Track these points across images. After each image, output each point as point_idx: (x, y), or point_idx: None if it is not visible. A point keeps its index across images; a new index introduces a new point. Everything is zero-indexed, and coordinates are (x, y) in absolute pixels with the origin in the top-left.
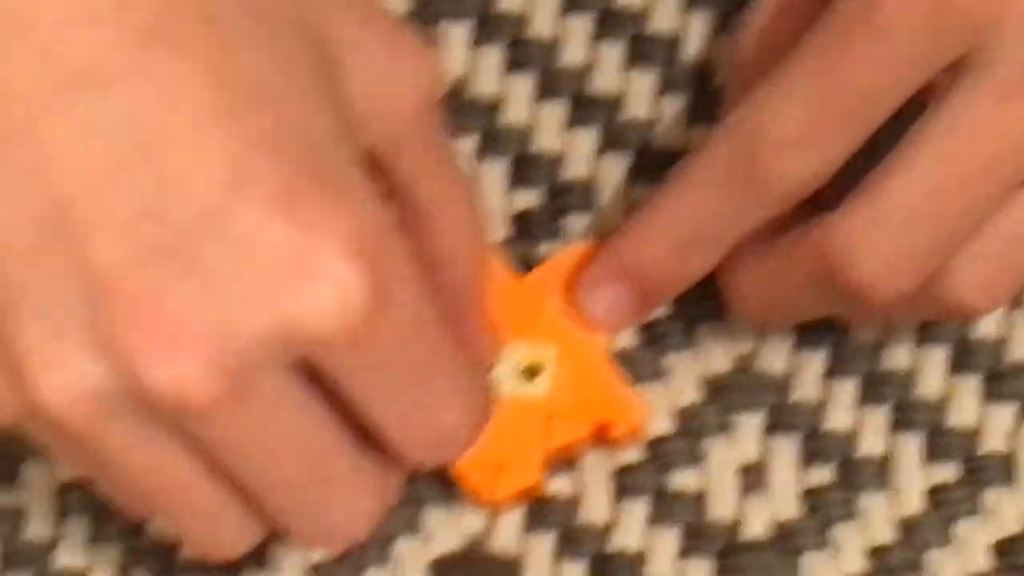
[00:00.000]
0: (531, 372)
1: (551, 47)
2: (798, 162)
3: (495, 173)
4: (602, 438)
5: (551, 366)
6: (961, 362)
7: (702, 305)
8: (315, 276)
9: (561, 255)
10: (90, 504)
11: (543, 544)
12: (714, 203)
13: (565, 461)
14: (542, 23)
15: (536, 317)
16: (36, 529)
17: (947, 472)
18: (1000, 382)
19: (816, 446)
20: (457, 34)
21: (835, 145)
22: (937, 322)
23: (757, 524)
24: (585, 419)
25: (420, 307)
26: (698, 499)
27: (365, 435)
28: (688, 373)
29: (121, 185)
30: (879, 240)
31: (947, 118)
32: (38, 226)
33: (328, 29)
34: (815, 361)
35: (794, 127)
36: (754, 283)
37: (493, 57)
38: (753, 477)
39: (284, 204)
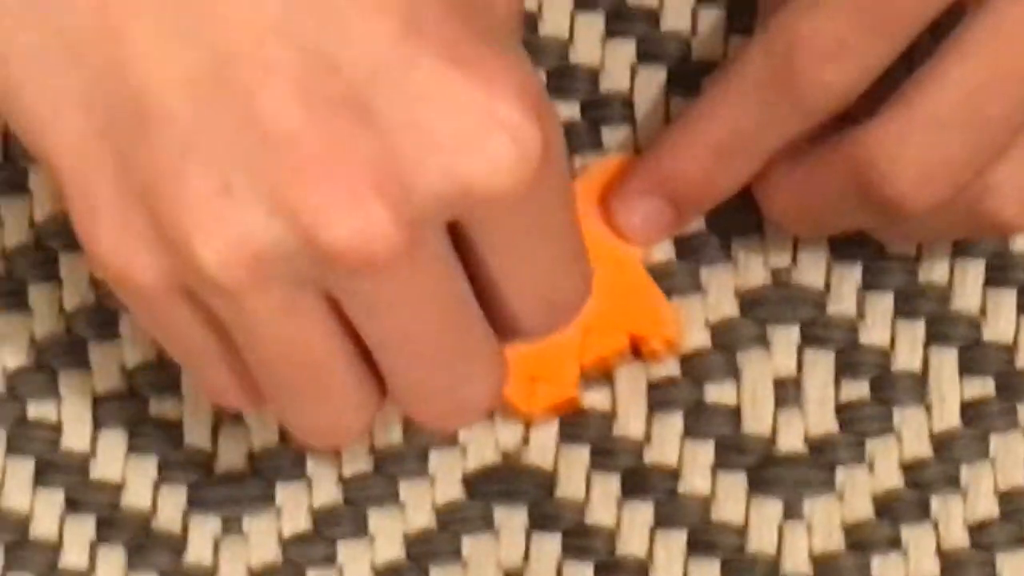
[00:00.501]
0: None
1: None
2: (836, 72)
3: None
4: (637, 351)
5: None
6: (998, 276)
7: (738, 218)
8: (495, 128)
9: (597, 167)
10: (126, 416)
11: (578, 457)
12: (751, 114)
13: (601, 374)
14: None
15: None
16: (73, 440)
17: (983, 387)
18: None
19: (852, 360)
20: None
21: (873, 54)
22: (974, 239)
23: (792, 438)
24: (621, 332)
25: (567, 167)
26: (733, 413)
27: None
28: (724, 286)
29: (291, 37)
30: (913, 149)
31: (983, 26)
32: (202, 80)
33: None
34: (851, 275)
35: (832, 37)
36: (789, 193)
37: None
38: (789, 391)
39: (458, 57)
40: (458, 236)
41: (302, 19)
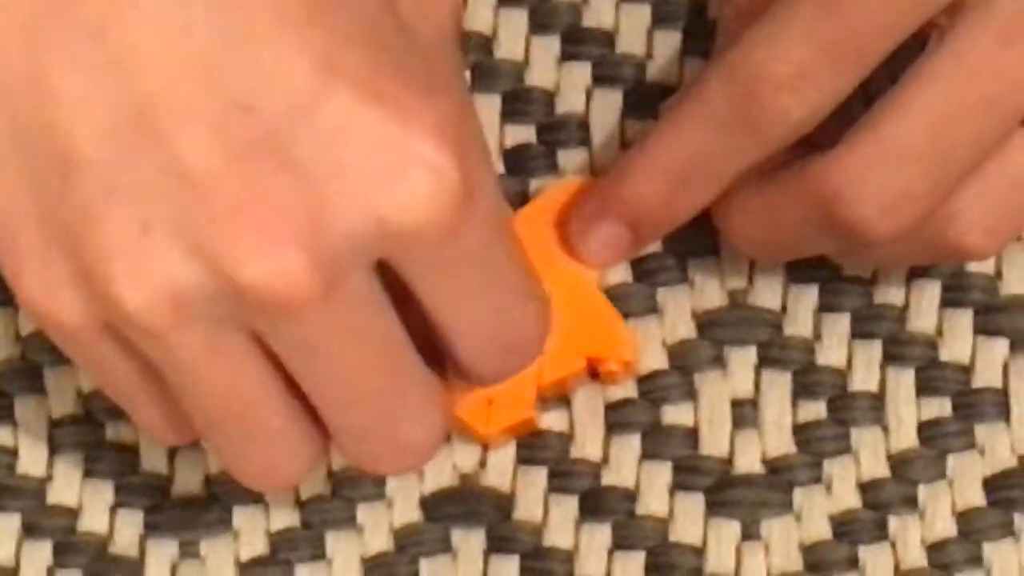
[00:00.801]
0: None
1: None
2: (797, 100)
3: (488, 108)
4: (595, 373)
5: None
6: (954, 297)
7: (695, 240)
8: (412, 167)
9: (553, 189)
10: (82, 440)
11: (535, 479)
12: (711, 140)
13: (558, 397)
14: None
15: (529, 251)
16: (29, 465)
17: (940, 407)
18: (993, 316)
19: (809, 381)
20: None
21: (835, 83)
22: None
23: (749, 459)
24: (577, 354)
25: (499, 205)
26: (691, 434)
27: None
28: (681, 308)
29: (209, 81)
30: (877, 178)
31: (947, 57)
32: (123, 124)
33: None
34: (808, 296)
35: (794, 64)
36: (751, 219)
37: None
38: (746, 412)
39: (376, 95)
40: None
41: (219, 62)
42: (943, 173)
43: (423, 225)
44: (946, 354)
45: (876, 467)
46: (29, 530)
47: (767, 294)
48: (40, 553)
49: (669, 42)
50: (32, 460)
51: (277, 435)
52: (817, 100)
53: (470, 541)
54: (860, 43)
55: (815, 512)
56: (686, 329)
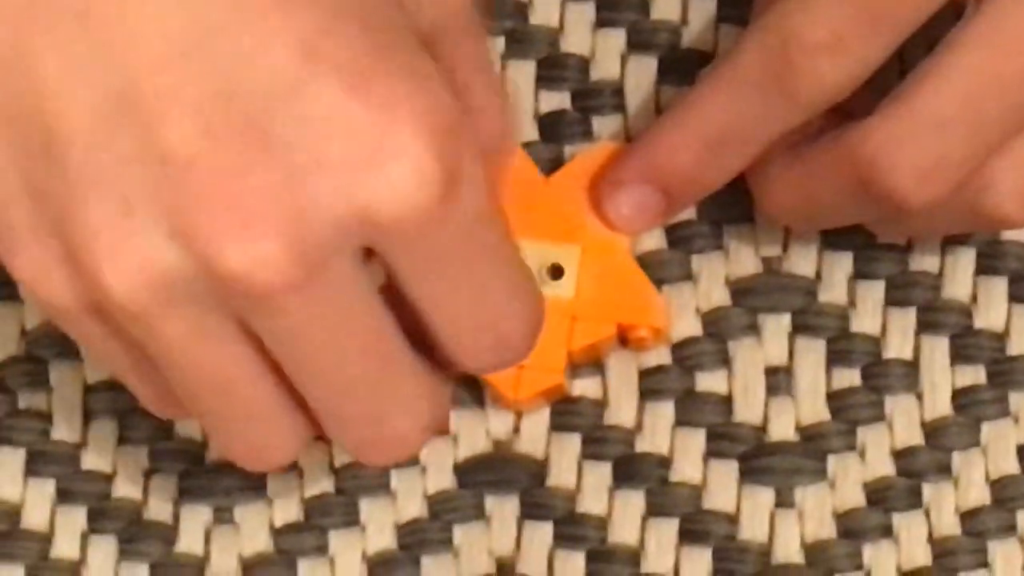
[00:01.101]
0: (556, 272)
1: None
2: (832, 65)
3: (523, 74)
4: (625, 339)
5: (575, 266)
6: (989, 264)
7: (729, 207)
8: (392, 155)
9: (587, 154)
10: (116, 407)
11: (569, 446)
12: (745, 105)
13: (591, 363)
14: None
15: (561, 217)
16: (63, 431)
17: (974, 375)
18: None
19: (843, 348)
20: None
21: (869, 49)
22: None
23: (783, 426)
24: (609, 320)
25: (487, 197)
26: (724, 401)
27: (418, 346)
28: (715, 275)
29: (192, 65)
30: (914, 147)
31: (983, 25)
32: (107, 106)
33: None
34: (842, 263)
35: (829, 30)
36: (786, 188)
37: None
38: (780, 379)
39: (357, 81)
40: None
41: (204, 46)
42: (979, 141)
43: (403, 215)
44: (981, 322)
45: (910, 435)
46: (64, 495)
47: (801, 261)
48: (75, 518)
49: (704, 8)
50: (66, 426)
51: (263, 418)
52: (852, 66)
53: (504, 507)
54: (895, 9)
55: (849, 480)
56: (720, 296)
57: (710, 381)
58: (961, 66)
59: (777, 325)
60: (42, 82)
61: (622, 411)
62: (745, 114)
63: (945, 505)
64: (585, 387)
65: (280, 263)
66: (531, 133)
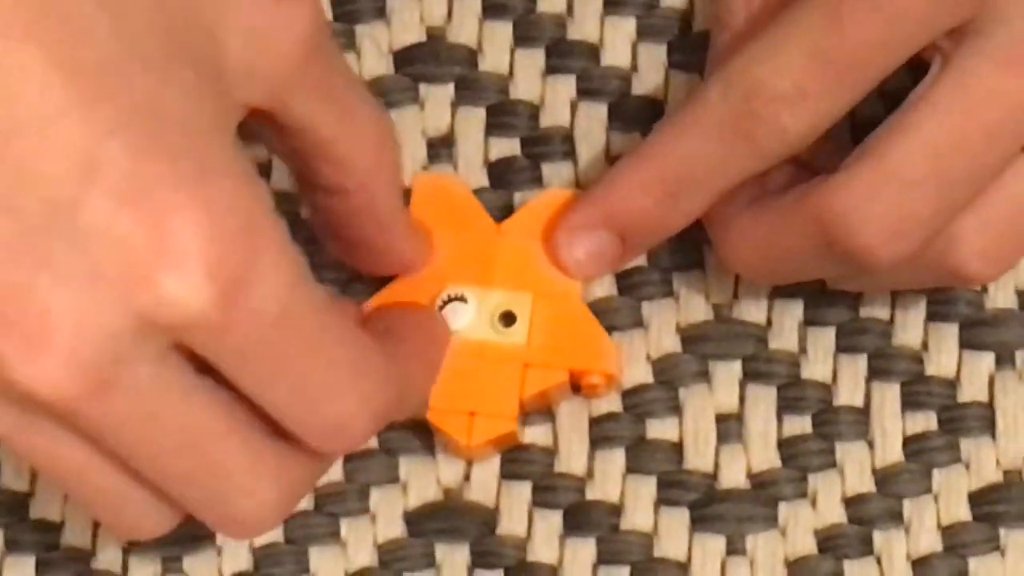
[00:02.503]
0: (508, 319)
1: None
2: (794, 116)
3: (473, 121)
4: (578, 386)
5: (527, 313)
6: (940, 311)
7: (680, 254)
8: (164, 266)
9: (537, 201)
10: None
11: (520, 494)
12: (706, 151)
13: (544, 410)
14: None
15: (513, 264)
16: (10, 481)
17: (925, 422)
18: (979, 331)
19: (794, 395)
20: None
21: (832, 102)
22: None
23: (735, 473)
24: (561, 366)
25: (294, 293)
26: (675, 448)
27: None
28: (666, 322)
29: None
30: (882, 205)
31: (949, 82)
32: None
33: None
34: (793, 310)
35: (792, 80)
36: (751, 244)
37: (472, 5)
38: (731, 426)
39: (133, 193)
40: None
41: None
42: (946, 199)
43: (181, 322)
44: (932, 368)
45: (861, 482)
46: (10, 545)
47: (752, 308)
48: (23, 567)
49: (654, 55)
50: (15, 474)
51: (122, 497)
52: (814, 117)
53: (454, 556)
54: (859, 61)
55: (800, 527)
56: (671, 343)
57: (661, 428)
58: (928, 124)
59: (728, 372)
60: None
61: (573, 459)
62: (706, 160)
63: (896, 552)
64: (536, 435)
65: (62, 380)
66: (481, 180)
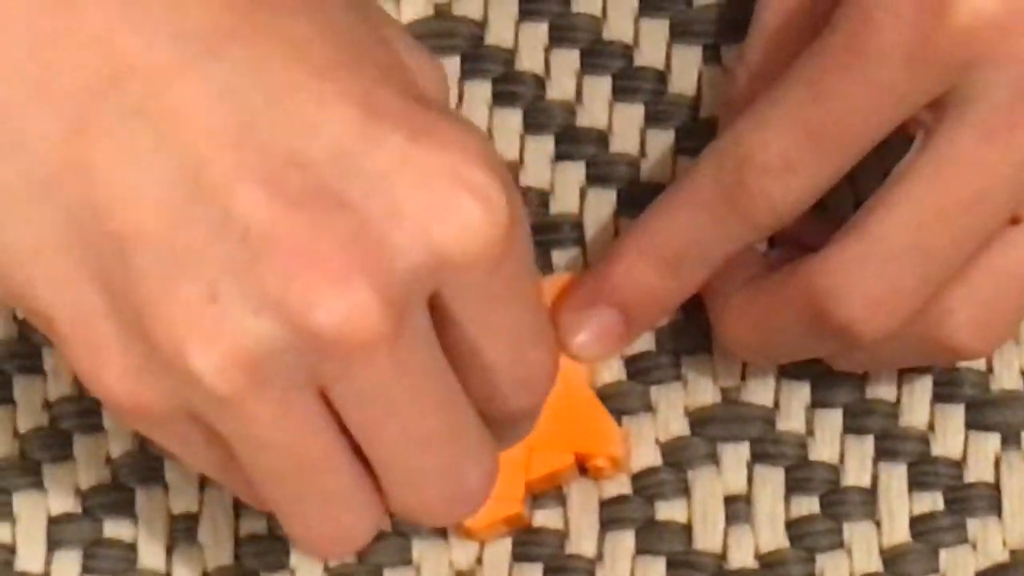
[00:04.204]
0: None
1: (538, 81)
2: (782, 188)
3: None
4: (583, 468)
5: None
6: (945, 392)
7: (687, 338)
8: (463, 192)
9: (545, 285)
10: (80, 537)
11: None
12: (699, 224)
13: (550, 491)
14: (529, 58)
15: None
16: (27, 561)
17: (932, 502)
18: (985, 411)
19: (802, 476)
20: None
21: (819, 172)
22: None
23: (743, 554)
24: (566, 450)
25: (530, 238)
26: (684, 530)
27: None
28: (674, 405)
29: (255, 139)
30: (865, 277)
31: (932, 155)
32: (175, 196)
33: None
34: (800, 392)
35: (779, 152)
36: (745, 324)
37: (481, 90)
38: (739, 508)
39: (418, 130)
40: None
41: (262, 120)
42: (931, 270)
43: (477, 252)
44: (938, 449)
45: (869, 562)
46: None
47: (759, 390)
48: None
49: (662, 141)
50: (30, 556)
51: (341, 498)
52: (802, 188)
53: None
54: (843, 133)
55: None
56: (679, 426)
57: (670, 510)
58: (907, 197)
59: (736, 454)
60: (104, 188)
61: (583, 540)
62: (701, 233)
63: None
64: (546, 517)
65: (373, 311)
66: None
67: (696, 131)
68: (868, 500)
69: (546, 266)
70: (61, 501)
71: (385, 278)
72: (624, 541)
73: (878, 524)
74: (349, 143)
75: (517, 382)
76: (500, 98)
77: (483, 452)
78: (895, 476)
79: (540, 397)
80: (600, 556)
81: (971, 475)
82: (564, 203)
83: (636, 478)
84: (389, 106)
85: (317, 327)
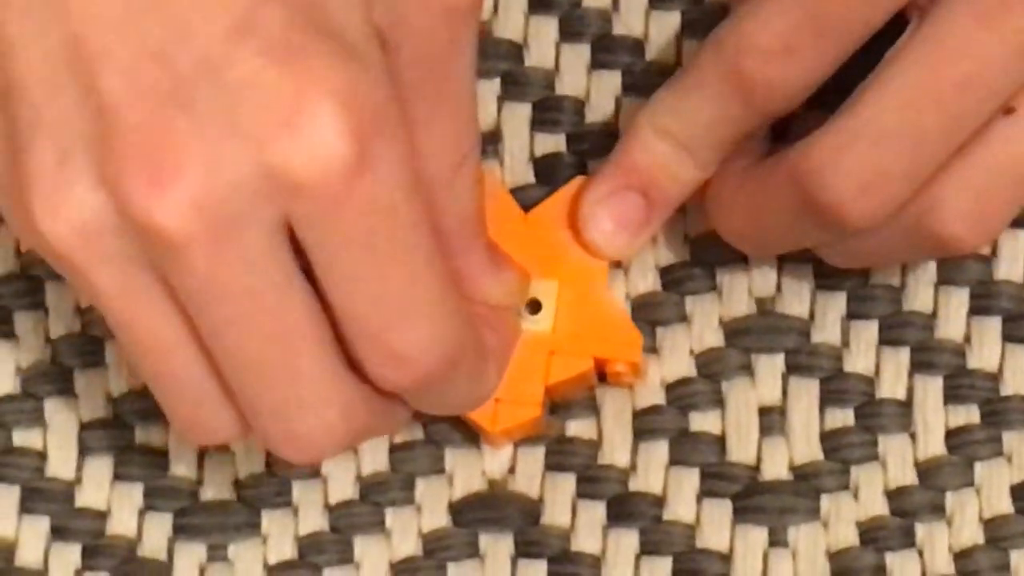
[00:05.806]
0: (534, 307)
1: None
2: (781, 71)
3: (519, 116)
4: (602, 374)
5: (553, 301)
6: (982, 304)
7: (722, 249)
8: (301, 122)
9: (566, 189)
10: (111, 444)
11: (564, 485)
12: (705, 106)
13: (570, 397)
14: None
15: (540, 252)
16: (58, 468)
17: (967, 415)
18: (1021, 324)
19: (836, 388)
20: None
21: (817, 57)
22: (954, 263)
23: (777, 466)
24: (585, 354)
25: (404, 192)
26: (718, 441)
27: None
28: (708, 316)
29: (131, 27)
30: (854, 159)
31: (925, 37)
32: (57, 57)
33: None
34: (836, 304)
35: (778, 36)
36: (737, 211)
37: (518, 1)
38: (773, 419)
39: (282, 54)
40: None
41: (146, 15)
42: (921, 155)
43: (311, 179)
44: (974, 361)
45: (904, 474)
46: (58, 532)
47: (795, 302)
48: (69, 555)
49: (696, 47)
50: (61, 463)
51: (197, 395)
52: (800, 72)
53: (498, 546)
54: (841, 17)
55: (842, 519)
56: (714, 337)
57: (704, 421)
58: (899, 79)
59: (770, 365)
60: (3, 29)
61: (616, 451)
62: (708, 115)
63: (939, 545)
64: (579, 427)
65: (184, 215)
66: (527, 175)
67: None
68: (903, 412)
69: (581, 175)
70: (92, 407)
71: (206, 183)
72: (657, 452)
73: (913, 437)
74: (214, 55)
75: (384, 354)
76: (537, 6)
77: (325, 407)
78: (931, 388)
79: (416, 381)
80: (633, 467)
81: (1007, 388)
82: (600, 112)
83: (670, 389)
84: (268, 29)
85: (135, 217)
